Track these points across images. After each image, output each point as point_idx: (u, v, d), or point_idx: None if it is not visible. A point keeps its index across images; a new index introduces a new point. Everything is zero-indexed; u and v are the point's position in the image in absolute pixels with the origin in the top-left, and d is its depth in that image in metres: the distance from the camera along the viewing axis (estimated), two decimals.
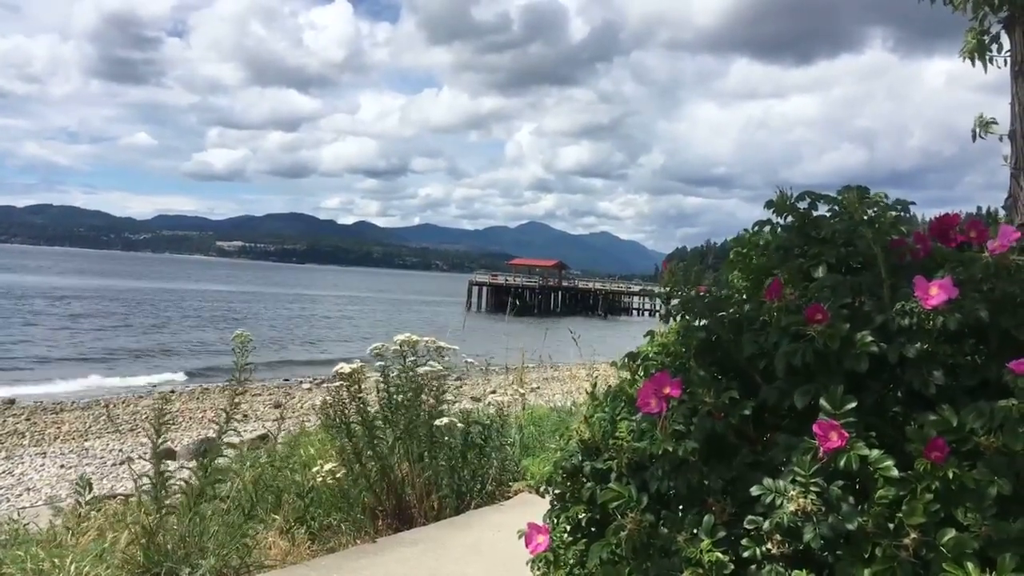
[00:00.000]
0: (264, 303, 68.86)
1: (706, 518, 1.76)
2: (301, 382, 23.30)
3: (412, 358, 5.19)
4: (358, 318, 56.68)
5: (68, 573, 3.60)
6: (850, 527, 1.59)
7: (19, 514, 5.75)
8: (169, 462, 8.43)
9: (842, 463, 1.62)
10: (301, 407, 16.14)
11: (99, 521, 4.60)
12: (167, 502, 4.15)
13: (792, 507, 1.62)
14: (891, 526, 1.59)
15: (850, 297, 1.89)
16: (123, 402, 18.86)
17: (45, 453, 13.10)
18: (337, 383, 5.04)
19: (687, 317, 2.14)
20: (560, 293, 79.25)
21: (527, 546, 2.09)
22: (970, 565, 1.49)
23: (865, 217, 1.97)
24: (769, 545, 1.65)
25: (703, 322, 2.10)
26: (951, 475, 1.56)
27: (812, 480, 1.64)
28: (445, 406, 5.27)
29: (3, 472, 11.68)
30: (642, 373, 2.21)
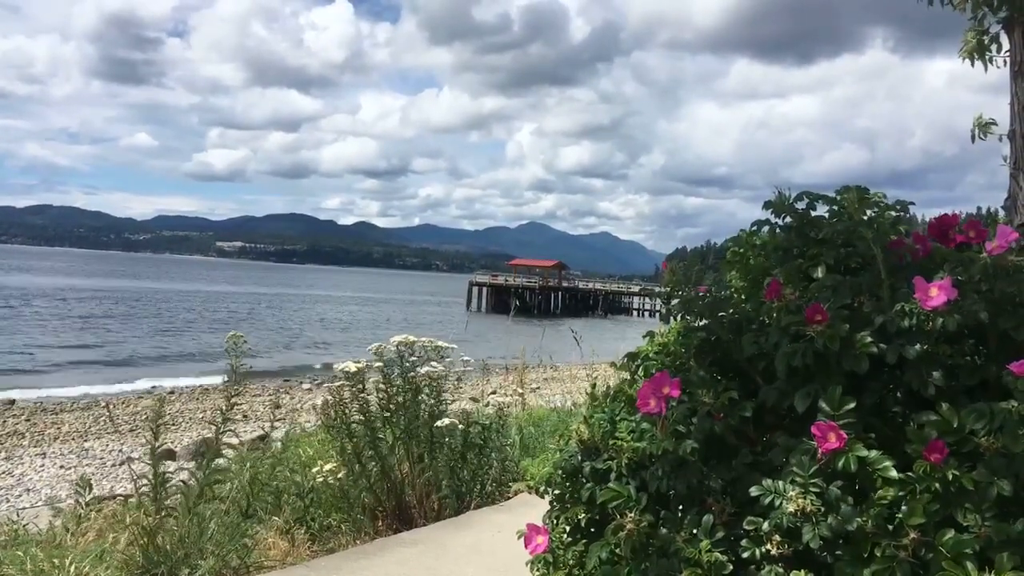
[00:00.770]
0: (264, 303, 68.86)
1: (705, 518, 1.76)
2: (301, 382, 23.30)
3: (412, 358, 5.19)
4: (358, 318, 56.69)
5: (68, 573, 3.60)
6: (849, 528, 1.59)
7: (19, 514, 5.75)
8: (169, 463, 8.44)
9: (841, 464, 1.63)
10: (301, 407, 16.13)
11: (99, 522, 4.60)
12: (167, 503, 4.15)
13: (791, 508, 1.62)
14: (890, 527, 1.59)
15: (850, 298, 1.89)
16: (123, 402, 18.84)
17: (45, 454, 13.10)
18: (338, 383, 5.04)
19: (687, 317, 2.14)
20: (560, 293, 79.25)
21: (526, 547, 2.09)
22: (969, 565, 1.48)
23: (864, 218, 1.97)
24: (768, 546, 1.65)
25: (703, 322, 2.10)
26: (950, 476, 1.56)
27: (811, 481, 1.64)
28: (445, 406, 5.26)
29: (3, 472, 11.68)
30: (641, 373, 2.21)
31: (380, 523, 4.95)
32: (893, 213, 2.00)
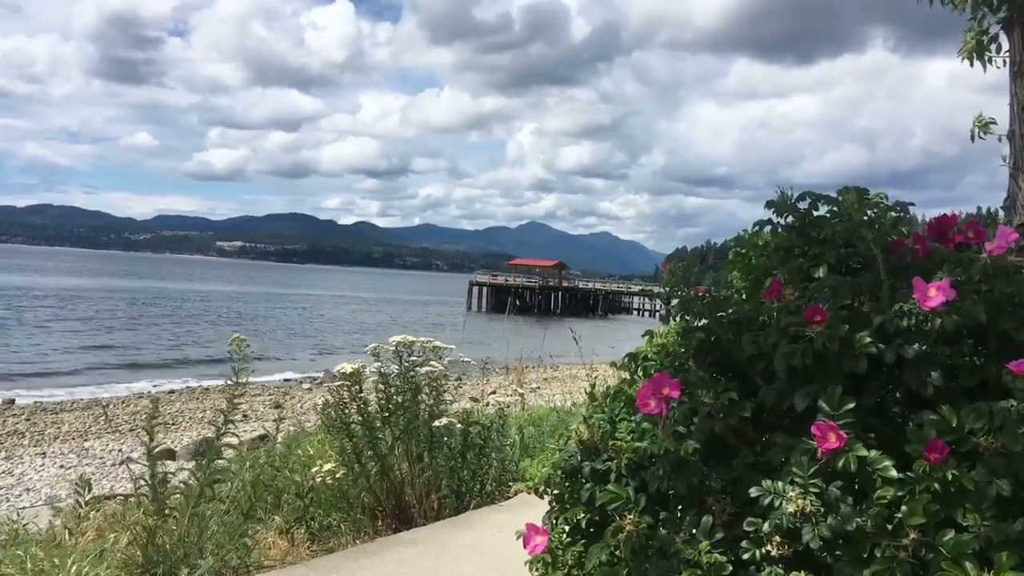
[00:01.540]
0: (264, 303, 68.86)
1: (704, 519, 1.76)
2: (301, 382, 23.31)
3: (411, 358, 5.18)
4: (358, 318, 56.68)
5: (68, 573, 3.60)
6: (849, 528, 1.59)
7: (19, 514, 5.75)
8: (169, 462, 8.43)
9: (841, 464, 1.63)
10: (301, 407, 16.13)
11: (98, 521, 4.60)
12: (167, 503, 4.15)
13: (791, 508, 1.62)
14: (890, 527, 1.59)
15: (849, 298, 1.89)
16: (122, 402, 18.86)
17: (45, 453, 13.10)
18: (337, 383, 5.04)
19: (687, 317, 2.14)
20: (560, 293, 79.25)
21: (525, 547, 2.09)
22: (969, 565, 1.48)
23: (865, 218, 1.97)
24: (768, 546, 1.65)
25: (702, 322, 2.10)
26: (950, 476, 1.56)
27: (811, 481, 1.64)
28: (444, 406, 5.26)
29: (3, 472, 11.69)
30: (641, 374, 2.21)
31: (380, 523, 4.95)
32: (893, 214, 2.00)
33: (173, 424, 15.53)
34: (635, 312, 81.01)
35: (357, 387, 4.99)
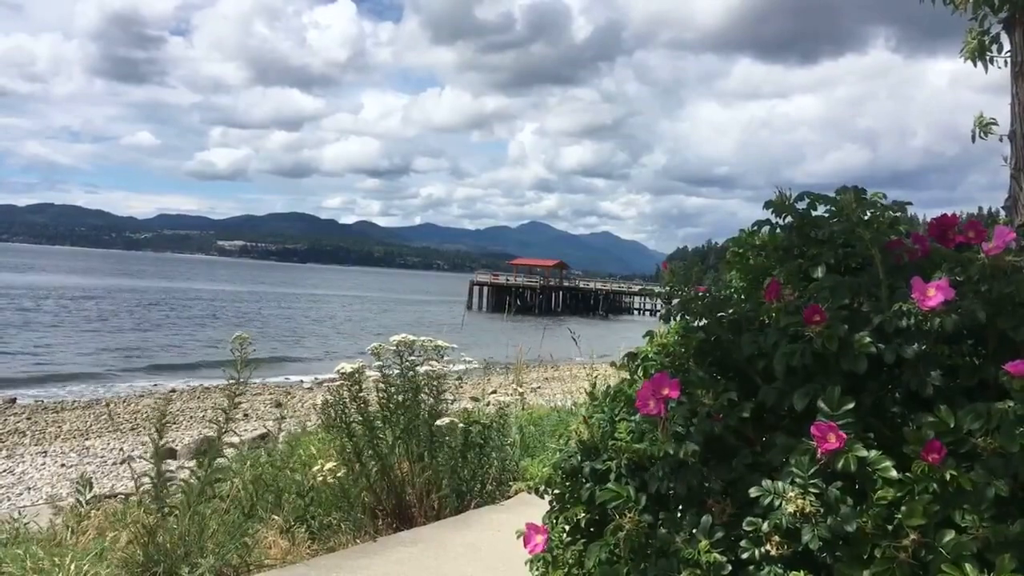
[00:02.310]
0: (265, 302, 68.90)
1: (704, 519, 1.76)
2: (302, 381, 23.32)
3: (411, 357, 5.19)
4: (359, 318, 56.71)
5: (68, 572, 3.60)
6: (849, 528, 1.59)
7: (19, 513, 5.75)
8: (170, 461, 8.43)
9: (840, 464, 1.63)
10: (301, 406, 16.15)
11: (99, 520, 4.60)
12: (167, 501, 4.15)
13: (791, 508, 1.62)
14: (890, 527, 1.59)
15: (848, 298, 1.89)
16: (124, 401, 18.88)
17: (46, 452, 13.11)
18: (338, 382, 5.04)
19: (686, 317, 2.14)
20: (561, 293, 79.27)
21: (526, 546, 2.10)
22: (969, 567, 1.48)
23: (864, 218, 1.97)
24: (768, 546, 1.65)
25: (702, 322, 2.10)
26: (948, 477, 1.56)
27: (811, 481, 1.64)
28: (444, 406, 5.27)
29: (4, 471, 11.70)
30: (641, 374, 2.21)
31: (380, 522, 4.95)
32: (891, 213, 2.00)
33: (174, 423, 15.54)
34: (636, 312, 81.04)
35: (357, 387, 5.00)
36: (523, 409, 8.49)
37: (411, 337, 5.22)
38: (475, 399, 6.39)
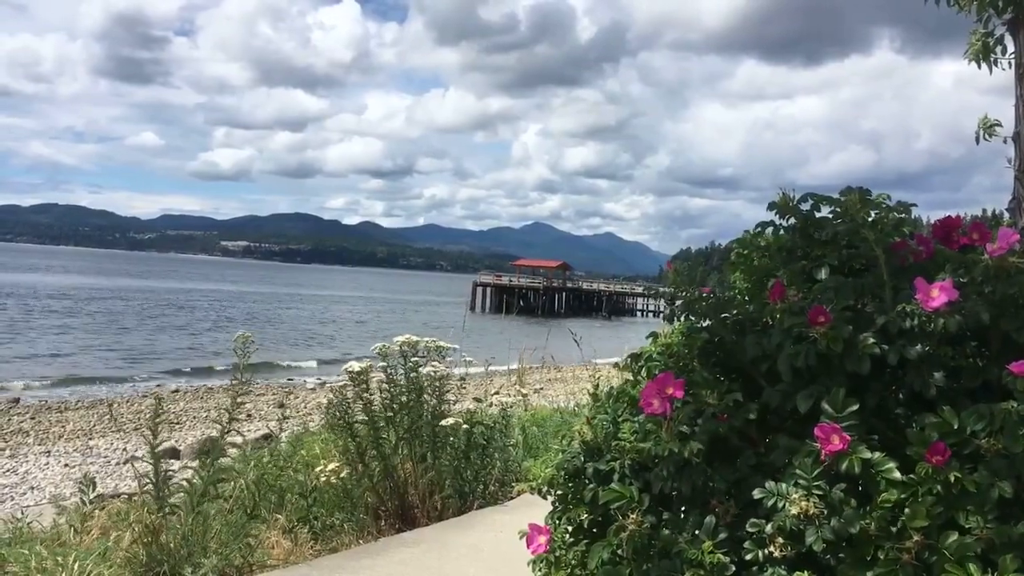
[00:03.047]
0: (269, 303, 68.98)
1: (707, 520, 1.76)
2: (305, 382, 23.34)
3: (414, 358, 5.19)
4: (361, 318, 56.76)
5: (71, 571, 3.61)
6: (852, 530, 1.59)
7: (23, 512, 5.76)
8: (173, 461, 8.44)
9: (844, 466, 1.62)
10: (304, 407, 16.16)
11: (102, 520, 4.61)
12: (171, 501, 4.16)
13: (795, 510, 1.62)
14: (894, 529, 1.59)
15: (852, 299, 1.89)
16: (127, 401, 18.90)
17: (49, 452, 13.14)
18: (342, 383, 5.04)
19: (691, 318, 2.14)
20: (564, 294, 79.23)
21: (528, 547, 2.10)
22: (973, 567, 1.48)
23: (869, 219, 1.97)
24: (771, 547, 1.65)
25: (706, 323, 2.10)
26: (952, 478, 1.56)
27: (814, 483, 1.64)
28: (447, 406, 5.27)
29: (8, 470, 11.73)
30: (644, 374, 2.21)
31: (383, 523, 4.95)
32: (896, 215, 1.99)
33: (177, 423, 15.57)
34: (639, 313, 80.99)
35: (363, 387, 5.00)
36: (526, 410, 8.49)
37: (415, 338, 5.22)
38: (478, 400, 6.39)
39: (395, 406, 5.15)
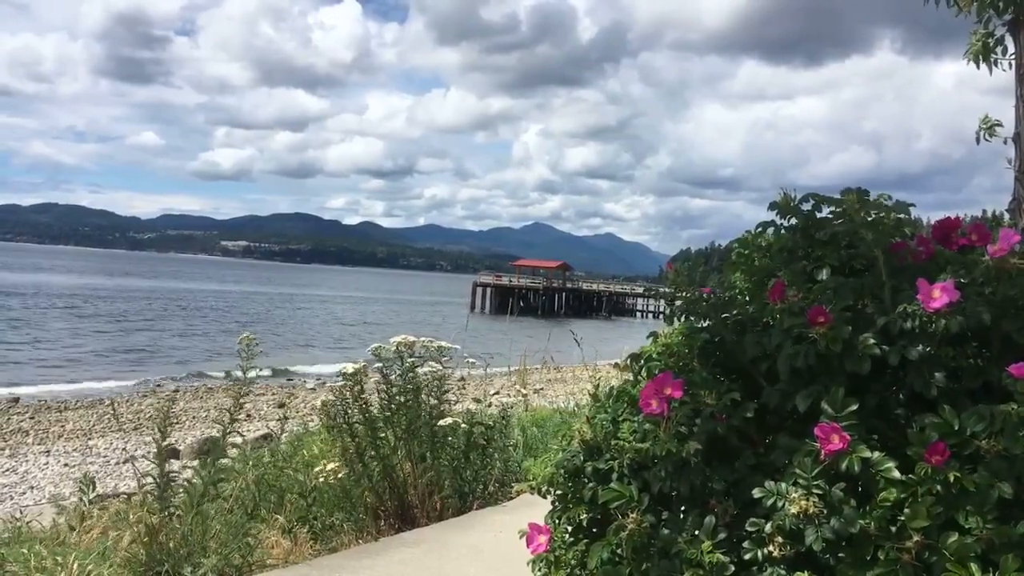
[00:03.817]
0: (268, 303, 68.97)
1: (707, 519, 1.76)
2: (305, 382, 23.35)
3: (412, 359, 5.18)
4: (362, 318, 56.74)
5: (71, 571, 3.61)
6: (852, 530, 1.59)
7: (23, 512, 5.77)
8: (173, 461, 8.43)
9: (844, 465, 1.62)
10: (304, 407, 16.17)
11: (102, 519, 4.61)
12: (171, 501, 4.16)
13: (794, 509, 1.62)
14: (894, 529, 1.59)
15: (852, 299, 1.89)
16: (127, 401, 18.91)
17: (49, 451, 13.14)
18: (340, 383, 5.04)
19: (690, 318, 2.14)
20: (564, 294, 79.23)
21: (528, 546, 2.10)
22: (973, 567, 1.48)
23: (868, 219, 1.97)
24: (771, 547, 1.65)
25: (706, 323, 2.10)
26: (952, 479, 1.56)
27: (814, 482, 1.64)
28: (446, 406, 5.26)
29: (7, 470, 11.73)
30: (644, 374, 2.21)
31: (382, 523, 4.95)
32: (896, 215, 1.99)
33: (177, 423, 15.56)
34: (639, 314, 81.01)
35: (359, 387, 5.00)
36: (526, 410, 8.49)
37: (411, 338, 5.22)
38: (478, 400, 6.39)
39: (393, 406, 5.15)
